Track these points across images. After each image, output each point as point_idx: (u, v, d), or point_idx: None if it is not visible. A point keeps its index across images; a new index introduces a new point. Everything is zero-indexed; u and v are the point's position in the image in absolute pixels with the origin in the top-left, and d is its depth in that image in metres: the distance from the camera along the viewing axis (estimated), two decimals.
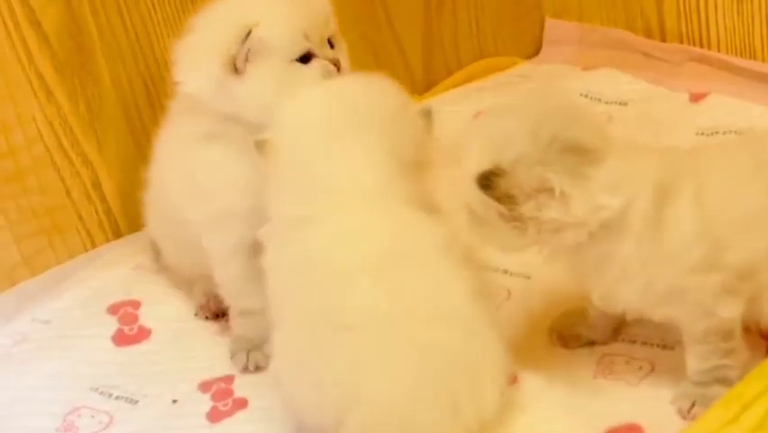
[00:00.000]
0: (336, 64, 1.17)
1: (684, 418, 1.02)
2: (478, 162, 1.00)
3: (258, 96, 1.13)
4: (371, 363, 0.98)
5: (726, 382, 1.02)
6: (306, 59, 1.15)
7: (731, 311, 1.00)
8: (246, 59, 1.12)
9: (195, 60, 1.15)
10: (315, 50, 1.16)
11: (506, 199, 0.99)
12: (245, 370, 1.20)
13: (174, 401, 1.18)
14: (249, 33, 1.11)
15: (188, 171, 1.18)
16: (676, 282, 1.00)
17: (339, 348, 0.99)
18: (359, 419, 0.98)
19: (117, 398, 1.20)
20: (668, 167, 1.02)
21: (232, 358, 1.21)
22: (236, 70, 1.12)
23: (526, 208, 0.99)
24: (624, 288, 1.02)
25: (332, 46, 1.19)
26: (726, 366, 1.03)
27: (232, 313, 1.23)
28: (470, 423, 1.00)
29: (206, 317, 1.29)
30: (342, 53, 1.19)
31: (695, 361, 1.04)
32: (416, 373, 0.98)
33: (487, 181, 0.98)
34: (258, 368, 1.19)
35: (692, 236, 0.99)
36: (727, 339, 1.02)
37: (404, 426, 0.98)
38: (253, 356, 1.19)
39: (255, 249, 1.16)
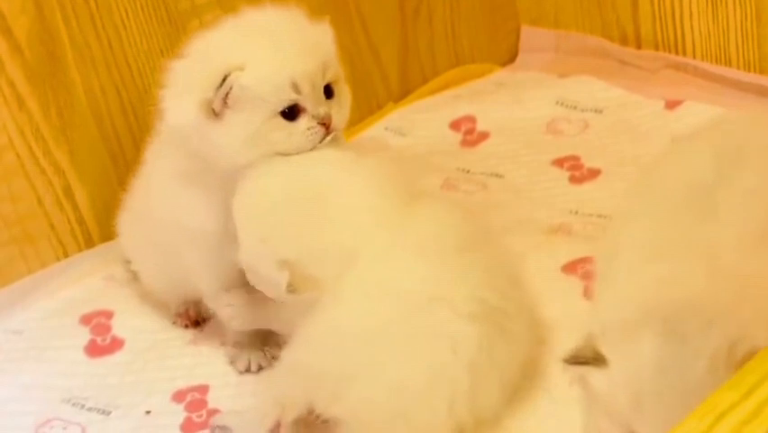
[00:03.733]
0: (326, 122, 1.07)
1: None
2: None
3: (231, 146, 1.06)
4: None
5: None
6: (292, 113, 1.06)
7: None
8: (225, 104, 1.04)
9: (178, 91, 1.08)
10: (305, 104, 1.06)
11: None
12: (247, 371, 1.18)
13: (147, 412, 1.17)
14: (225, 78, 1.03)
15: (170, 207, 1.14)
16: None
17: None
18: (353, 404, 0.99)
19: (90, 409, 1.18)
20: None
21: (232, 362, 1.20)
22: (214, 113, 1.05)
23: None
24: None
25: (330, 94, 1.09)
26: None
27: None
28: (463, 423, 1.00)
29: (186, 326, 1.28)
30: (341, 103, 1.09)
31: None
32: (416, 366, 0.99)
33: None
34: (260, 368, 1.18)
35: None
36: None
37: (393, 416, 0.99)
38: (255, 357, 1.18)
39: None
